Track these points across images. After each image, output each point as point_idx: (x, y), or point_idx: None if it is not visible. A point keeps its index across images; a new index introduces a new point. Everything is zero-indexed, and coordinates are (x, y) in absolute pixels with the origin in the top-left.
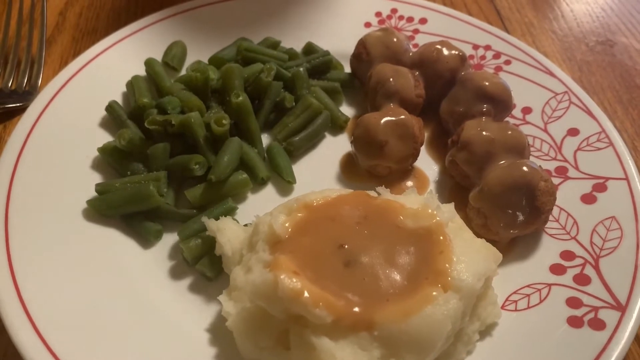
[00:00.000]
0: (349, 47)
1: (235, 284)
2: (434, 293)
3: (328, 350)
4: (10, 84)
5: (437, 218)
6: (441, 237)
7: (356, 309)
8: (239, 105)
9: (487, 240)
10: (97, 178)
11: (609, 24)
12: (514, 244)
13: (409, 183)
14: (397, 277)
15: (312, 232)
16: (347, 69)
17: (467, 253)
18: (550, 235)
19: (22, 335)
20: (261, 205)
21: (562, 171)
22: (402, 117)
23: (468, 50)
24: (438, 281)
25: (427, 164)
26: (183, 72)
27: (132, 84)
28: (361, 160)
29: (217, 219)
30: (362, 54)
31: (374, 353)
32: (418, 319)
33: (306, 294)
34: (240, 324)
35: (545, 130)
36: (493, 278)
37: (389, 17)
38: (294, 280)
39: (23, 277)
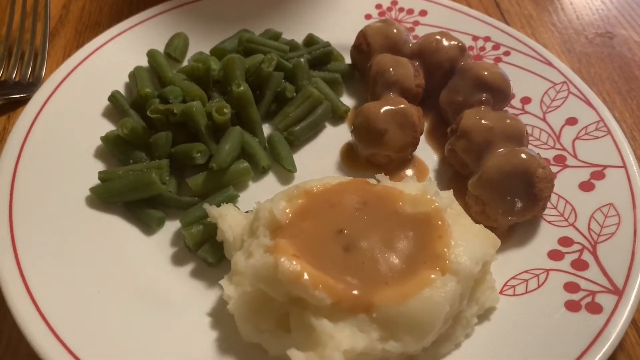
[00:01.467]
0: (350, 38)
1: (236, 269)
2: (432, 276)
3: (327, 332)
4: (14, 76)
5: (436, 204)
6: (439, 222)
7: (355, 292)
8: (240, 95)
9: (486, 227)
10: (100, 166)
11: (609, 17)
12: (513, 230)
13: (409, 172)
14: (396, 261)
15: (312, 217)
16: (348, 61)
17: (465, 238)
18: (549, 222)
19: (27, 320)
20: (262, 194)
21: (560, 159)
22: (402, 106)
23: (467, 42)
24: (436, 264)
25: (426, 153)
26: (185, 63)
27: (134, 75)
28: (361, 149)
29: (218, 206)
30: (362, 44)
31: (372, 335)
32: (416, 301)
33: (306, 276)
34: (241, 307)
35: (544, 120)
36: (491, 263)
37: (389, 9)
38: (294, 262)
39: (27, 262)
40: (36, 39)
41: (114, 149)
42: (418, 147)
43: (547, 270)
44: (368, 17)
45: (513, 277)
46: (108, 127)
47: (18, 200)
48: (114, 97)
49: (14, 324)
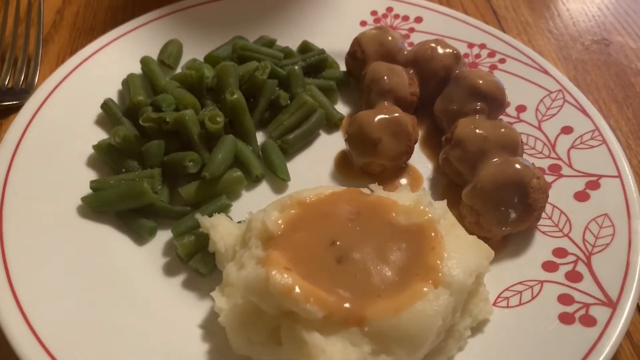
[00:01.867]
0: (345, 45)
1: (228, 280)
2: (425, 289)
3: (319, 346)
4: (6, 82)
5: (429, 215)
6: (433, 234)
7: (347, 305)
8: (233, 103)
9: (480, 238)
10: (91, 175)
11: (605, 23)
12: (507, 241)
13: (403, 181)
14: (389, 273)
15: (305, 228)
16: (343, 68)
17: (459, 249)
18: (543, 232)
19: (15, 331)
20: (255, 203)
21: (555, 169)
22: (396, 114)
23: (463, 49)
24: (429, 277)
25: (421, 162)
26: (179, 70)
27: (127, 82)
28: (355, 158)
29: (210, 216)
30: (357, 52)
31: (364, 348)
32: (409, 314)
33: (297, 290)
34: (233, 319)
35: (539, 129)
36: (485, 275)
37: (385, 15)
38: (285, 276)
39: (17, 272)
40: (29, 44)
41: (106, 158)
42: (412, 155)
43: (541, 282)
44: (363, 23)
45: (507, 289)
46: (101, 135)
47: (9, 209)
48: (106, 105)
49: (2, 335)
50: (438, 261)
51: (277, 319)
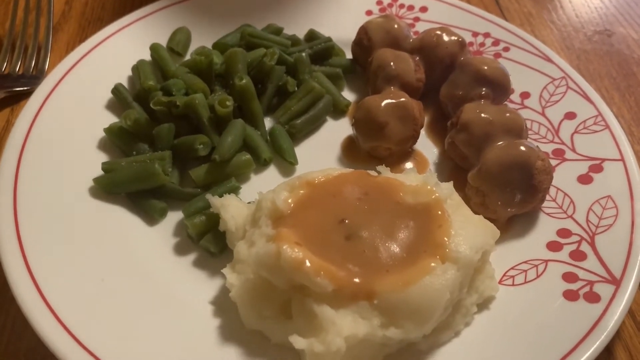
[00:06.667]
0: (350, 34)
1: (238, 257)
2: (433, 264)
3: (329, 319)
4: (17, 69)
5: (436, 194)
6: (440, 212)
7: (357, 279)
8: (242, 88)
9: (486, 219)
10: (103, 158)
11: (607, 15)
12: (512, 222)
13: (409, 165)
14: (397, 249)
15: (314, 207)
16: (349, 56)
17: (465, 227)
18: (547, 214)
19: (31, 308)
20: (264, 186)
21: (559, 153)
22: (403, 99)
23: (467, 38)
24: (436, 253)
25: (427, 147)
26: (187, 57)
27: (137, 68)
28: (362, 142)
29: (221, 196)
30: (363, 39)
31: (373, 321)
32: (417, 288)
33: (308, 264)
34: (244, 294)
35: (543, 114)
36: (491, 253)
37: (390, 5)
38: (296, 250)
39: (32, 252)
40: (39, 33)
41: (117, 141)
42: (418, 141)
43: (546, 261)
44: (369, 13)
45: (512, 268)
46: (111, 119)
47: (22, 192)
48: (117, 90)
49: (17, 312)
50: (445, 238)
51: (287, 293)
